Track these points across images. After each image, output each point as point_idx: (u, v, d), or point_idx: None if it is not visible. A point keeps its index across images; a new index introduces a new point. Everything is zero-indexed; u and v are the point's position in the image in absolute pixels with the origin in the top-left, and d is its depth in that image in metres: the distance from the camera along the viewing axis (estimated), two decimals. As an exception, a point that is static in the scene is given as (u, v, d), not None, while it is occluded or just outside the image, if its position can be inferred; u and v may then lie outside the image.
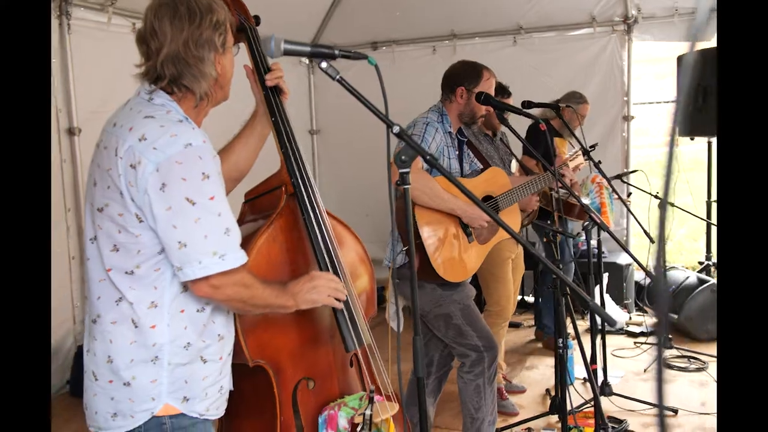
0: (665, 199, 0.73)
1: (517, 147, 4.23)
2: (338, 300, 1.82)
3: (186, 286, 1.58)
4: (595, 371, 3.56)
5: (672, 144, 0.77)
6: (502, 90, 3.80)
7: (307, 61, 6.42)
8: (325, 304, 1.81)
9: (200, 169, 1.49)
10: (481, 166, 3.21)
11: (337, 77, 1.65)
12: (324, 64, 1.64)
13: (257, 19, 2.10)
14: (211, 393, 1.65)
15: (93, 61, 4.20)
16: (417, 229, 2.77)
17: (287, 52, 1.67)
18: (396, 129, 1.61)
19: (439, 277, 2.78)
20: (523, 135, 3.54)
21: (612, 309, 5.21)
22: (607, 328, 4.65)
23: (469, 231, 2.93)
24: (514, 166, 4.07)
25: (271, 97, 1.94)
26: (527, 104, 3.22)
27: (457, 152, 3.04)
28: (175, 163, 1.47)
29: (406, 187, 1.61)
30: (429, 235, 2.80)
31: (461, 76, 3.01)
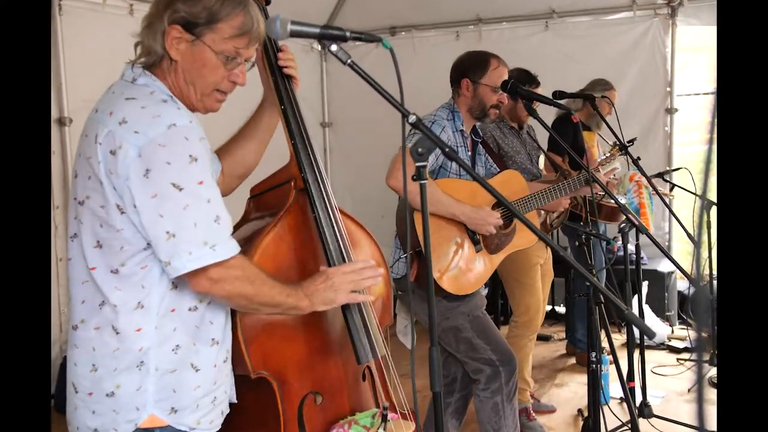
0: (705, 198, 0.72)
1: (544, 140, 4.22)
2: (362, 292, 1.81)
3: (176, 283, 1.58)
4: (632, 390, 3.52)
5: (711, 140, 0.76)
6: (530, 79, 3.79)
7: (319, 47, 6.43)
8: (348, 302, 1.81)
9: (186, 151, 1.49)
10: (498, 170, 3.20)
11: (348, 61, 1.64)
12: (334, 47, 1.63)
13: None
14: (203, 404, 1.64)
15: (86, 46, 4.24)
16: (415, 238, 2.76)
17: (294, 34, 1.66)
18: (412, 118, 1.61)
19: (443, 290, 2.76)
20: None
21: (652, 321, 5.16)
22: (647, 342, 4.60)
23: (477, 239, 2.92)
24: (542, 161, 4.06)
25: (281, 84, 1.95)
26: (558, 94, 3.21)
27: (469, 153, 3.04)
28: (159, 146, 1.47)
29: (422, 182, 1.60)
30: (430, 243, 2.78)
31: (466, 67, 3.03)
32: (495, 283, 5.75)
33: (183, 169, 1.48)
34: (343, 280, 1.77)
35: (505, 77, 3.01)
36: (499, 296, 5.79)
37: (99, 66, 4.27)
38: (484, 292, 5.73)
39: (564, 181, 3.28)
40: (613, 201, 3.03)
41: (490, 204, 2.98)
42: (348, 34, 1.67)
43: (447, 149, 1.61)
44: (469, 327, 2.90)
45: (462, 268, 2.85)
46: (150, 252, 1.54)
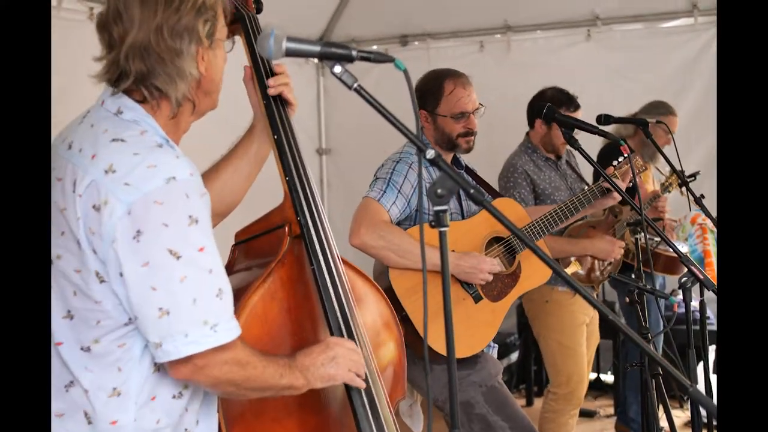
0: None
1: (584, 170, 4.24)
2: (361, 377, 1.83)
3: (159, 366, 1.58)
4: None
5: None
6: (568, 101, 3.83)
7: (316, 59, 6.51)
8: (346, 382, 1.81)
9: (186, 211, 1.51)
10: (492, 198, 3.25)
11: (355, 85, 1.68)
12: (338, 68, 1.67)
13: (258, 4, 2.15)
14: None
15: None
16: (397, 301, 2.79)
17: (290, 53, 1.70)
18: (430, 153, 1.64)
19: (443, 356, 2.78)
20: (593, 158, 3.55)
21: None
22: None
23: (474, 288, 2.97)
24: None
25: (275, 109, 1.99)
26: (604, 119, 3.22)
27: None
28: (154, 204, 1.48)
29: (442, 230, 1.63)
30: (414, 306, 2.82)
31: (421, 97, 3.14)
32: (527, 345, 5.74)
33: (181, 233, 1.50)
34: (346, 356, 1.78)
35: (468, 99, 3.10)
36: (532, 361, 5.77)
37: (54, 81, 4.33)
38: (514, 357, 5.76)
39: (572, 198, 3.31)
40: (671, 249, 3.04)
41: (480, 247, 3.04)
42: (354, 53, 1.71)
43: (472, 191, 1.64)
44: (482, 401, 2.92)
45: (462, 327, 2.87)
46: (131, 328, 1.55)
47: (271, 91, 1.97)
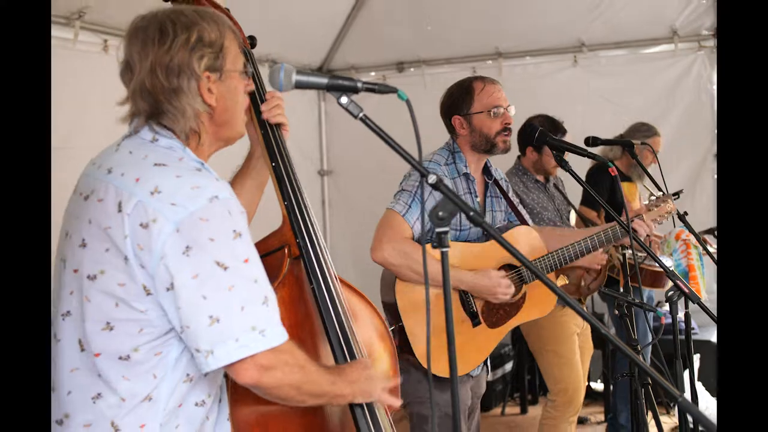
0: None
1: (572, 194, 4.26)
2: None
3: (190, 375, 1.61)
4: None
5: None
6: (556, 127, 3.85)
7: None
8: (381, 401, 1.85)
9: (230, 226, 1.55)
10: (516, 220, 3.22)
11: (361, 115, 1.71)
12: (344, 99, 1.71)
13: (252, 40, 2.19)
14: None
15: (56, 86, 4.29)
16: (397, 314, 2.78)
17: (299, 85, 1.74)
18: (432, 178, 1.66)
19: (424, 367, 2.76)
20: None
21: (706, 401, 5.13)
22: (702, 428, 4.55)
23: (475, 312, 2.91)
24: (572, 218, 4.10)
25: (272, 137, 2.01)
26: (592, 141, 3.24)
27: (479, 199, 3.06)
28: (200, 221, 1.52)
29: (444, 250, 1.64)
30: (414, 320, 2.78)
31: (450, 104, 3.10)
32: (521, 356, 5.75)
33: (227, 246, 1.54)
34: (379, 378, 1.84)
35: (500, 94, 3.05)
36: (525, 371, 5.77)
37: (70, 109, 4.35)
38: (509, 367, 5.76)
39: (594, 234, 3.28)
40: (657, 264, 3.05)
41: (496, 267, 2.97)
42: (360, 85, 1.74)
43: (472, 213, 1.66)
44: (434, 425, 2.90)
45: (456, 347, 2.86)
46: (170, 337, 1.58)
47: (266, 114, 2.00)
